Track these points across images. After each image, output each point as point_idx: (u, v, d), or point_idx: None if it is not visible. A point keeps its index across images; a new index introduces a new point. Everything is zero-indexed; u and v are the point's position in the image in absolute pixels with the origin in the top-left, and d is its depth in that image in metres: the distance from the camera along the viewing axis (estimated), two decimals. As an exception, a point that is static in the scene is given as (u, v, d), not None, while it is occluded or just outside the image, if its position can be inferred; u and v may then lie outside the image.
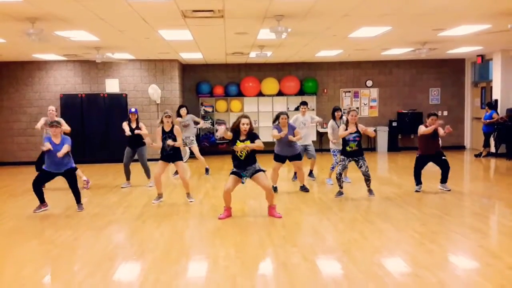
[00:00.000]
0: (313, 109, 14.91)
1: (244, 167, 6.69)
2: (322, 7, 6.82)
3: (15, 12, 6.69)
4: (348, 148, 7.99)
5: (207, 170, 10.89)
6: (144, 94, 13.56)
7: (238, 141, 6.64)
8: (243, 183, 6.85)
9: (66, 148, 7.18)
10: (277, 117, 8.34)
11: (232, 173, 6.80)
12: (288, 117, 8.30)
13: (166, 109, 13.42)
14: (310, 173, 10.00)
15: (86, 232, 6.40)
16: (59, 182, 7.73)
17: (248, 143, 6.59)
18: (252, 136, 6.67)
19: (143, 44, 10.22)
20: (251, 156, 6.69)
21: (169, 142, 7.60)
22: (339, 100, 15.29)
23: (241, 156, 6.65)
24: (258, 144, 6.59)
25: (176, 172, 10.53)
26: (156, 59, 13.51)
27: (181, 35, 8.97)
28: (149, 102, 13.58)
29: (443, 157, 8.37)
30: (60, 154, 7.10)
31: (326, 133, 9.44)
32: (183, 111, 10.83)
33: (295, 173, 9.89)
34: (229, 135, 6.65)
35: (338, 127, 9.10)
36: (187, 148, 11.63)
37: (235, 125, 6.75)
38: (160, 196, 8.04)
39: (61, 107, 13.17)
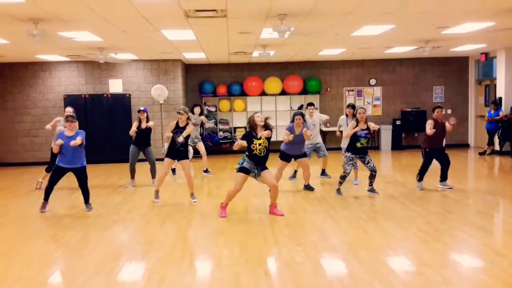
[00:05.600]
0: (317, 108, 14.87)
1: (261, 164, 6.79)
2: (325, 6, 6.80)
3: (18, 13, 6.70)
4: (358, 145, 7.95)
5: (206, 171, 10.93)
6: (148, 94, 13.57)
7: (255, 139, 6.70)
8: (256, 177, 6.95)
9: (79, 138, 7.18)
10: (293, 117, 8.34)
11: (241, 170, 6.80)
12: (303, 117, 8.28)
13: (170, 108, 13.53)
14: (323, 172, 9.98)
15: (91, 232, 6.42)
16: (64, 182, 7.76)
17: (264, 140, 6.72)
18: (266, 128, 6.80)
19: (146, 44, 10.23)
20: (268, 152, 6.82)
21: (180, 139, 7.60)
22: (343, 99, 15.27)
23: (260, 153, 6.72)
24: (268, 133, 6.71)
25: (174, 171, 10.61)
26: (159, 59, 13.53)
27: (184, 35, 8.98)
28: (153, 102, 13.58)
29: (445, 152, 8.42)
30: (72, 143, 7.10)
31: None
32: (197, 109, 10.93)
33: (295, 171, 9.93)
34: (243, 142, 6.72)
35: (347, 124, 9.11)
36: (190, 148, 11.66)
37: (251, 124, 6.82)
38: (157, 192, 8.08)
39: (65, 108, 13.16)
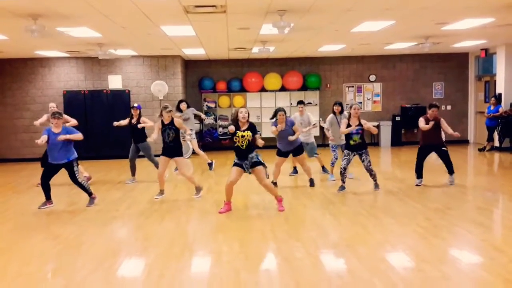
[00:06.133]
0: (316, 104, 14.90)
1: (245, 157, 6.77)
2: (325, 2, 6.79)
3: (17, 8, 6.68)
4: (352, 142, 7.98)
5: (210, 165, 10.87)
6: (147, 90, 13.56)
7: (239, 131, 6.72)
8: (249, 173, 6.91)
9: (74, 135, 7.23)
10: (274, 114, 8.33)
11: (235, 165, 6.86)
12: (285, 113, 8.26)
13: (167, 104, 13.49)
14: (323, 169, 9.94)
15: (90, 227, 6.42)
16: (64, 178, 7.75)
17: (248, 133, 6.71)
18: (252, 127, 6.79)
19: (146, 40, 10.21)
20: (251, 145, 6.79)
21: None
22: (342, 95, 15.25)
23: (242, 146, 6.73)
24: (259, 141, 6.71)
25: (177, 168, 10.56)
26: (158, 55, 13.50)
27: (184, 31, 8.96)
28: (152, 98, 13.57)
29: (443, 148, 8.38)
30: (59, 137, 7.11)
31: (328, 129, 9.31)
32: (183, 105, 10.96)
33: (294, 167, 9.93)
34: (233, 128, 6.74)
35: (338, 122, 9.09)
36: (189, 143, 11.64)
37: (234, 117, 6.85)
38: (162, 192, 8.06)
39: (64, 104, 13.17)
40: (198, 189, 8.03)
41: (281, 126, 8.06)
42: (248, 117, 6.82)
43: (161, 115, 7.78)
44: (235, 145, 6.78)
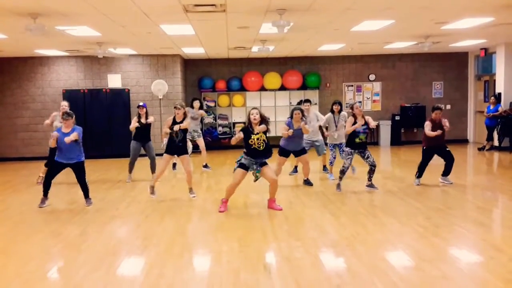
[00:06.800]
0: (316, 104, 14.89)
1: (261, 158, 6.80)
2: (324, 1, 6.78)
3: (17, 7, 6.68)
4: (357, 140, 7.97)
5: (206, 165, 10.91)
6: (147, 89, 13.56)
7: (252, 135, 6.74)
8: (257, 178, 6.90)
9: (74, 135, 7.16)
10: (292, 112, 8.33)
11: (240, 166, 6.83)
12: (302, 112, 8.27)
13: (169, 103, 13.49)
14: (324, 168, 9.96)
15: (90, 226, 6.41)
16: (63, 176, 7.75)
17: (261, 134, 6.75)
18: (261, 122, 6.83)
19: (145, 39, 10.20)
20: (268, 146, 6.83)
21: (175, 127, 7.57)
22: (342, 94, 15.26)
23: (259, 147, 6.75)
24: (262, 128, 6.74)
25: (174, 166, 10.57)
26: (158, 54, 13.49)
27: (183, 29, 8.95)
28: (152, 97, 13.56)
29: (447, 149, 8.40)
30: (67, 139, 7.08)
31: (326, 127, 9.34)
32: (197, 103, 10.89)
33: (295, 167, 9.94)
34: (240, 134, 6.78)
35: (335, 121, 9.10)
36: (190, 143, 11.65)
37: (248, 121, 6.90)
38: (153, 188, 7.99)
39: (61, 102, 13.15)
40: (191, 190, 8.00)
41: (296, 125, 8.09)
42: (260, 117, 6.83)
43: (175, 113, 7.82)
44: (251, 148, 6.75)
